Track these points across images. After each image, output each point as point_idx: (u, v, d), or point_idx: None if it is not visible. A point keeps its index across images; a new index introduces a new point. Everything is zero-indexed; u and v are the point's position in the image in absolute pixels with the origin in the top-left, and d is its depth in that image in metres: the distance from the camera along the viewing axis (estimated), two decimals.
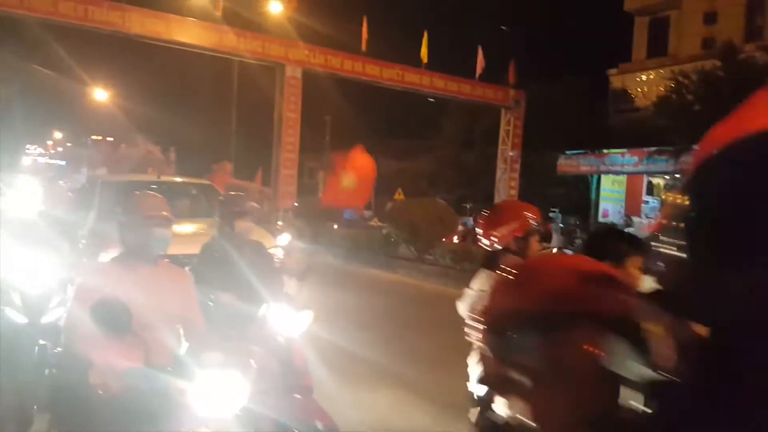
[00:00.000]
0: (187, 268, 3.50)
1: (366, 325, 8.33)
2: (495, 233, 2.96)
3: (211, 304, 3.30)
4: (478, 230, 3.06)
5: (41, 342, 4.37)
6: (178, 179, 9.08)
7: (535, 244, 2.97)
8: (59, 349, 4.24)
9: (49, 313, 4.59)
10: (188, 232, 6.39)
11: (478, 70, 21.35)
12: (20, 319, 4.44)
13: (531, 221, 2.96)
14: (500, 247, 2.96)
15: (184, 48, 17.43)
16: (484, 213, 3.25)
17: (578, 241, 25.73)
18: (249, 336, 3.27)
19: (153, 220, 2.74)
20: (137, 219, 2.73)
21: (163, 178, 8.38)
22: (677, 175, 26.88)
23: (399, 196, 23.98)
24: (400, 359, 6.83)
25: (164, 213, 2.79)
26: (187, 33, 16.72)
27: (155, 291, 2.73)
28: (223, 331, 3.07)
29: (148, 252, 2.78)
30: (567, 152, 26.17)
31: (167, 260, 3.00)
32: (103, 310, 2.37)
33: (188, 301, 2.91)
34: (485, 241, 3.00)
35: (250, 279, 3.61)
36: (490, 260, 2.92)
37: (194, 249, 4.04)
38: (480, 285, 2.87)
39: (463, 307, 2.92)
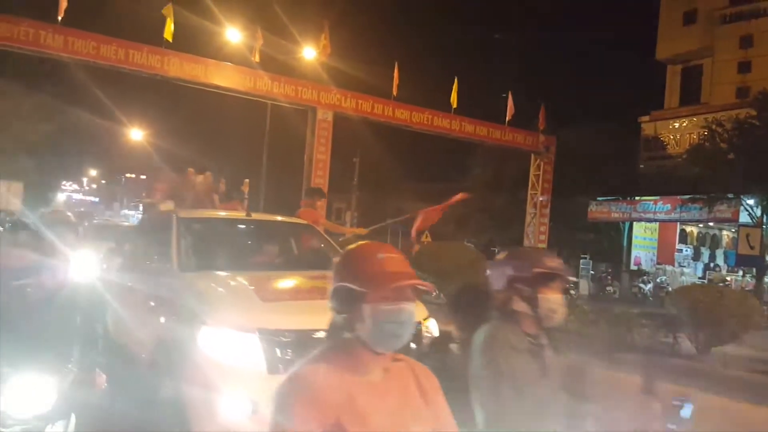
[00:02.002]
0: None
1: None
2: None
3: None
4: None
5: None
6: (272, 218, 7.30)
7: None
8: None
9: None
10: (310, 299, 4.67)
11: (508, 116, 21.39)
12: None
13: None
14: None
15: (219, 91, 17.79)
16: None
17: (609, 289, 25.37)
18: None
19: (402, 293, 1.74)
20: (382, 292, 1.69)
21: (255, 216, 6.54)
22: (711, 224, 26.54)
23: (426, 239, 23.87)
24: None
25: (413, 281, 1.77)
26: (224, 77, 17.10)
27: (400, 409, 1.74)
28: None
29: (391, 343, 1.73)
30: (598, 198, 25.96)
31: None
32: None
33: (440, 420, 1.83)
34: None
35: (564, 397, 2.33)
36: None
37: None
38: None
39: None
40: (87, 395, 4.16)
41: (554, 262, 2.36)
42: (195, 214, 6.70)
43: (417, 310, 3.03)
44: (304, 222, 6.99)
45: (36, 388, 2.93)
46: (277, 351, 4.16)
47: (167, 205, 7.40)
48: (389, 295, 1.70)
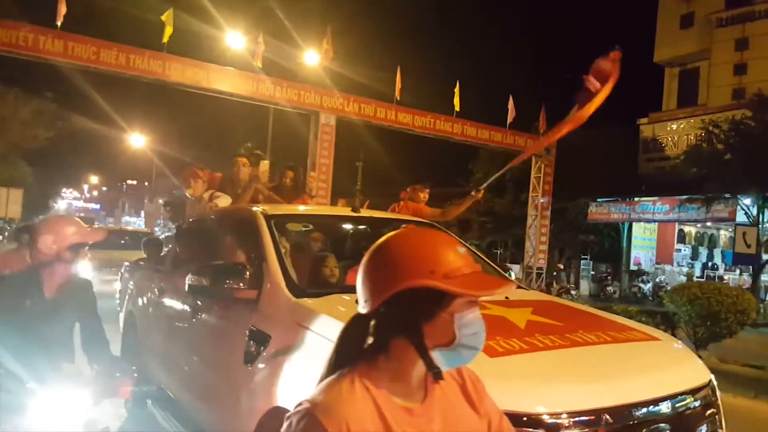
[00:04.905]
0: None
1: None
2: None
3: None
4: None
5: None
6: (390, 215, 5.68)
7: None
8: None
9: None
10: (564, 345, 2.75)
11: (509, 119, 21.59)
12: None
13: None
14: None
15: (222, 96, 17.92)
16: None
17: (610, 289, 25.59)
18: None
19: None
20: (473, 295, 1.36)
21: (365, 213, 4.81)
22: (708, 224, 26.75)
23: None
24: None
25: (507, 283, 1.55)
26: (226, 81, 17.21)
27: None
28: None
29: (465, 359, 1.39)
30: (598, 200, 26.18)
31: None
32: None
33: (495, 425, 1.52)
34: None
35: None
36: None
37: None
38: None
39: None
40: (116, 405, 3.92)
41: None
42: (288, 210, 4.97)
43: (696, 370, 2.40)
44: (421, 219, 5.28)
45: (67, 403, 2.74)
46: None
47: (225, 200, 5.72)
48: (474, 300, 1.32)
